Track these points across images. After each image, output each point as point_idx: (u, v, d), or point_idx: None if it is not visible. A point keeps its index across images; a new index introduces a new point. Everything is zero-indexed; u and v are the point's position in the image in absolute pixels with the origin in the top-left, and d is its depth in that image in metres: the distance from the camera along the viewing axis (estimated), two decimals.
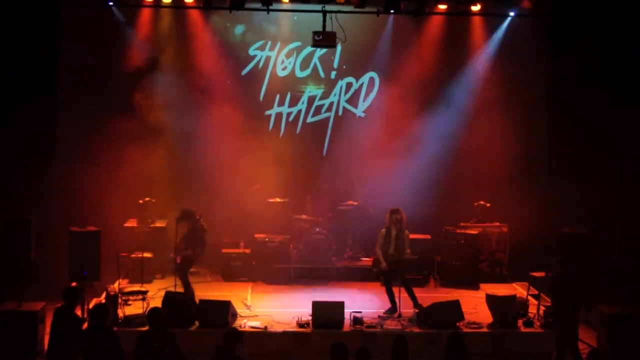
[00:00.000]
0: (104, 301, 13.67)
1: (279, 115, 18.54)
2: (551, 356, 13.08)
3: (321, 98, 18.60)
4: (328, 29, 15.78)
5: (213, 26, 17.89)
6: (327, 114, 18.61)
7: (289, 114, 18.57)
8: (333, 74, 18.59)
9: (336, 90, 18.57)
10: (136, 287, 14.49)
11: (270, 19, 17.68)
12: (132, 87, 17.19)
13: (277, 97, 18.47)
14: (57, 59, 16.79)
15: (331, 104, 18.58)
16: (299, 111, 18.59)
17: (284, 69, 18.48)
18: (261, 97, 18.42)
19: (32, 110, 16.15)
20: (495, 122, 17.50)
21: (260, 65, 18.38)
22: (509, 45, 17.79)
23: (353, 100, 18.53)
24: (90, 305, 13.49)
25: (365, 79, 18.52)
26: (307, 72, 18.52)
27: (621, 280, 15.42)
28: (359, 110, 18.56)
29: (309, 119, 18.60)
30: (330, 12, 15.64)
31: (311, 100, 18.58)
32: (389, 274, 14.52)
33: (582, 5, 16.66)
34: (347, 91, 18.58)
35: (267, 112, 18.46)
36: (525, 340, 13.54)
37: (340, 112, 18.60)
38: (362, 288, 16.17)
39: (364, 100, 18.54)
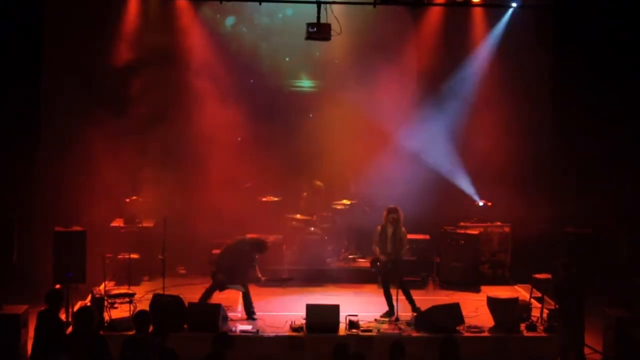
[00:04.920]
0: (89, 304, 13.59)
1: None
2: None
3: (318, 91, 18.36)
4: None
5: (203, 18, 17.66)
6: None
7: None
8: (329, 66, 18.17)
9: (335, 83, 18.15)
10: (123, 290, 14.37)
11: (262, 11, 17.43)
12: (118, 83, 16.99)
13: None
14: (41, 53, 16.61)
15: (329, 98, 18.07)
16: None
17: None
18: None
19: (15, 107, 16.00)
20: (497, 118, 17.37)
21: None
22: (510, 37, 17.63)
23: (352, 95, 17.97)
24: (75, 309, 13.36)
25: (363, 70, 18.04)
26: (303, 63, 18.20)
27: (627, 281, 15.12)
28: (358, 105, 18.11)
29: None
30: (325, 2, 15.24)
31: (307, 93, 18.32)
32: (386, 276, 14.38)
33: None
34: (346, 84, 18.05)
35: None
36: (528, 345, 13.39)
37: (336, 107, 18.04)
38: (358, 290, 16.06)
39: (364, 95, 17.94)
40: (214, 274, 14.27)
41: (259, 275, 14.41)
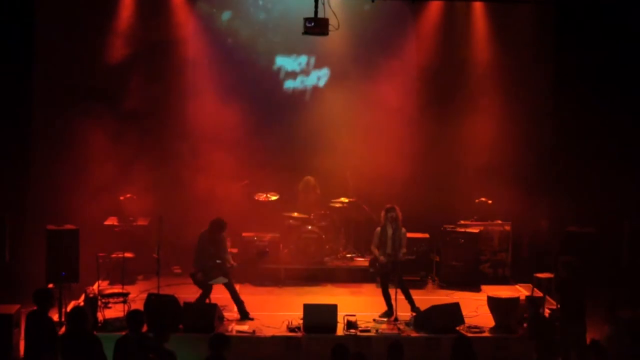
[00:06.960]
0: (82, 304, 13.53)
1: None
2: None
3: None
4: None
5: (199, 13, 17.56)
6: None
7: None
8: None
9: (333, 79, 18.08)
10: (117, 289, 14.25)
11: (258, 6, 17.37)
12: (112, 80, 16.90)
13: None
14: (32, 51, 16.49)
15: (328, 94, 18.02)
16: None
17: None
18: None
19: (7, 105, 15.89)
20: (498, 115, 17.32)
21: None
22: (511, 33, 17.53)
23: (351, 91, 17.77)
24: (68, 308, 13.33)
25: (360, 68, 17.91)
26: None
27: (630, 281, 15.14)
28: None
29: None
30: None
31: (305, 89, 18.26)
32: (385, 275, 14.26)
33: None
34: (344, 79, 17.90)
35: None
36: (529, 345, 13.08)
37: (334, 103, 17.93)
38: (356, 290, 15.96)
39: (363, 91, 17.76)
40: (193, 275, 14.12)
41: (232, 262, 14.26)
